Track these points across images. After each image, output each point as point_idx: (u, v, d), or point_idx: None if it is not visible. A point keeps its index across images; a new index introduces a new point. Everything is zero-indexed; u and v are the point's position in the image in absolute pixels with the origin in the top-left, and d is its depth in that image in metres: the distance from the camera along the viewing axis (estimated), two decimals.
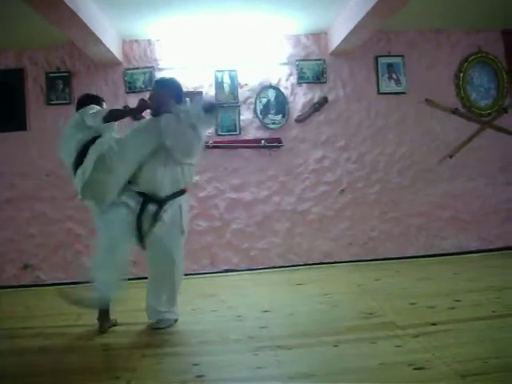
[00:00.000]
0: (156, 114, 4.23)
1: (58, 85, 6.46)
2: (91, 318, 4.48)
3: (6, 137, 6.44)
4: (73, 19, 4.75)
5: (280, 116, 6.58)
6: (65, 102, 6.39)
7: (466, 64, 6.80)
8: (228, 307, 4.82)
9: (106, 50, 5.87)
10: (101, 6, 5.35)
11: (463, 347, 3.33)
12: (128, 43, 6.53)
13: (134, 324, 4.40)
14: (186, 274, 6.21)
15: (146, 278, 6.29)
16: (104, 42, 5.63)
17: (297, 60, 6.66)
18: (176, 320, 4.34)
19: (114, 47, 6.12)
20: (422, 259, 6.53)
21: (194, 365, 3.37)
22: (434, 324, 3.85)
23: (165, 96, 4.20)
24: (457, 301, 4.43)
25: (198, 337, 4.00)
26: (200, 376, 3.17)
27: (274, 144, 6.56)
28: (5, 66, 6.45)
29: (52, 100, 6.44)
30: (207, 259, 6.54)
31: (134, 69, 6.53)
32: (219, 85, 6.57)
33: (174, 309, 4.36)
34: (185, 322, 4.39)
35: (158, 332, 4.14)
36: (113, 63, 6.42)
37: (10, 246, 6.26)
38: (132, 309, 4.87)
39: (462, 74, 6.79)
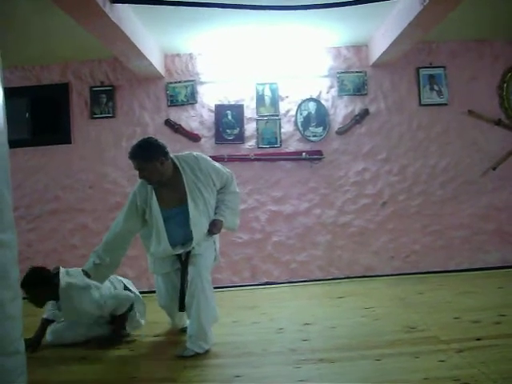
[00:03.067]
0: (159, 182, 4.12)
1: (102, 99, 6.58)
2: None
3: (51, 150, 6.59)
4: (116, 33, 4.82)
5: (321, 128, 6.57)
6: (108, 116, 6.50)
7: (509, 74, 6.68)
8: (269, 319, 4.82)
9: (149, 63, 5.94)
10: (143, 21, 5.43)
11: (509, 363, 3.26)
12: (170, 57, 6.61)
13: (175, 335, 4.43)
14: (226, 286, 6.33)
15: None
16: (146, 55, 5.71)
17: (337, 72, 6.65)
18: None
19: (156, 61, 6.20)
20: (465, 273, 6.42)
21: (236, 376, 3.38)
22: (478, 339, 3.78)
23: (153, 166, 4.02)
24: (502, 315, 4.34)
25: (239, 348, 4.00)
26: None
27: (314, 156, 6.54)
28: (50, 81, 6.60)
29: (96, 114, 6.55)
30: (248, 271, 6.55)
31: (175, 82, 6.60)
32: (260, 97, 6.60)
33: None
34: (226, 333, 4.40)
35: None
36: (155, 77, 6.51)
37: (53, 257, 6.35)
38: None
39: (505, 85, 6.68)
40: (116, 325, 4.39)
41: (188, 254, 4.09)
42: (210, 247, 4.24)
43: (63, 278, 4.23)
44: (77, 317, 4.30)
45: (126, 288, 4.63)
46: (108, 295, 4.33)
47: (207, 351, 3.92)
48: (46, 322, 4.41)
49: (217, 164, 4.30)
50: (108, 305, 4.29)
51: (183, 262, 4.09)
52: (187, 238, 4.08)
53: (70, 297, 4.19)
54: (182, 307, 4.03)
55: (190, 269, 4.05)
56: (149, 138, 4.29)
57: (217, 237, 4.35)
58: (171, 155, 4.17)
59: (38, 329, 4.36)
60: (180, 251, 4.10)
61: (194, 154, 4.32)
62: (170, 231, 4.09)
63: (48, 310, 4.44)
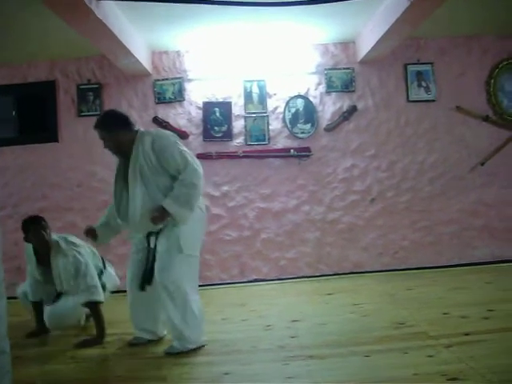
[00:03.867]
0: (126, 153, 4.00)
1: (89, 96, 6.54)
2: (122, 327, 4.52)
3: (37, 148, 6.55)
4: (103, 30, 4.80)
5: (309, 125, 6.57)
6: (95, 114, 6.43)
7: (496, 70, 6.71)
8: (258, 317, 4.81)
9: (136, 61, 5.92)
10: (130, 18, 5.40)
11: (498, 358, 3.26)
12: (157, 54, 6.59)
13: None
14: (215, 284, 6.32)
15: None
16: (133, 53, 5.68)
17: (325, 69, 6.65)
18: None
19: (144, 58, 6.17)
20: (454, 269, 6.44)
21: (225, 374, 3.36)
22: (467, 334, 3.79)
23: (118, 135, 4.00)
24: (490, 311, 4.35)
25: (228, 346, 3.99)
26: None
27: (303, 153, 6.54)
28: (37, 79, 6.56)
29: (83, 111, 6.52)
30: (237, 269, 6.54)
31: (163, 80, 6.57)
32: (248, 95, 6.59)
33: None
34: (215, 331, 4.37)
35: None
36: (142, 74, 6.49)
37: None
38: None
39: (492, 81, 6.70)
40: (97, 328, 4.36)
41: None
42: (172, 237, 3.93)
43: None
44: (63, 275, 4.38)
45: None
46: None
47: (195, 349, 3.89)
48: (36, 305, 4.55)
49: (178, 149, 3.91)
50: (90, 270, 4.45)
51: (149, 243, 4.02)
52: None
53: (63, 250, 4.43)
54: (141, 287, 4.03)
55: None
56: (112, 109, 4.36)
57: (186, 229, 3.92)
58: (142, 129, 4.11)
59: (35, 317, 4.55)
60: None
61: (160, 132, 4.20)
62: (125, 206, 4.03)
63: (21, 288, 4.72)
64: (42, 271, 4.48)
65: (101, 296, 4.43)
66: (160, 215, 3.81)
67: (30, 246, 4.51)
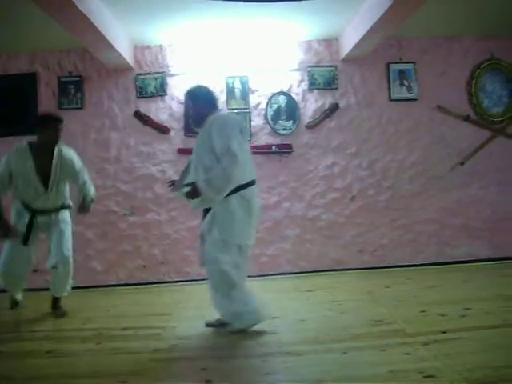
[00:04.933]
0: (198, 125, 4.30)
1: (70, 89, 6.49)
2: (101, 322, 4.51)
3: (18, 140, 6.37)
4: (85, 23, 4.77)
5: (291, 122, 6.57)
6: (76, 107, 6.42)
7: (478, 71, 6.76)
8: None
9: (118, 54, 5.89)
10: (113, 12, 5.37)
11: (474, 355, 3.29)
12: (139, 48, 6.55)
13: (143, 328, 4.40)
14: (195, 280, 6.31)
15: (156, 282, 6.35)
16: (116, 47, 5.65)
17: (308, 66, 6.66)
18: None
19: (126, 52, 6.14)
20: (432, 267, 6.50)
21: (202, 369, 3.35)
22: (444, 332, 3.81)
23: (200, 107, 4.29)
24: (467, 309, 4.39)
25: (206, 342, 3.99)
26: (208, 381, 3.14)
27: (284, 150, 6.55)
28: (17, 70, 6.50)
29: (64, 104, 6.46)
30: None
31: (145, 74, 6.54)
32: (230, 90, 6.58)
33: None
34: (194, 326, 4.37)
35: (166, 337, 4.13)
36: (124, 68, 6.45)
37: None
38: (140, 313, 4.90)
39: (474, 81, 6.76)
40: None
41: None
42: (210, 218, 4.18)
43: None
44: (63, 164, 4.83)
45: None
46: None
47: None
48: None
49: (227, 134, 4.00)
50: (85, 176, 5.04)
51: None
52: None
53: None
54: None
55: None
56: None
57: (223, 213, 4.09)
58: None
59: None
60: None
61: (224, 115, 4.34)
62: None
63: None
64: (38, 166, 4.71)
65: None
66: (191, 191, 4.04)
67: (21, 145, 4.78)
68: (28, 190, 4.72)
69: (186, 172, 4.51)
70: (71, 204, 5.08)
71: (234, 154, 3.92)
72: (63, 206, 4.97)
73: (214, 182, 3.94)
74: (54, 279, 4.92)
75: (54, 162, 4.76)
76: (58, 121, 4.78)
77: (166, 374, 3.39)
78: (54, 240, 4.85)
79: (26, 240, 4.74)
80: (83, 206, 4.97)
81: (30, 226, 4.77)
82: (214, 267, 4.08)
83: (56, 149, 4.79)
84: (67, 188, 5.01)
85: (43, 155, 4.74)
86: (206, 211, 4.20)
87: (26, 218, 4.77)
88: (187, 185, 4.19)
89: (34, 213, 4.80)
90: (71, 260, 4.89)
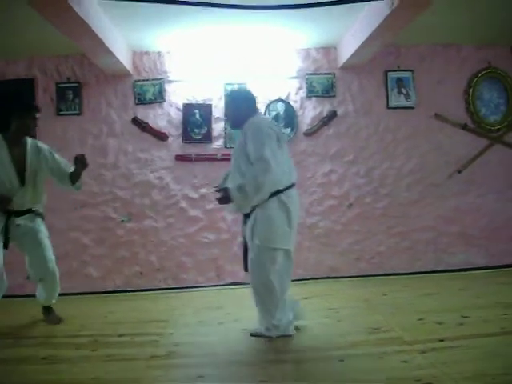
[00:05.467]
0: (236, 126, 4.43)
1: (68, 95, 6.48)
2: (96, 328, 4.49)
3: None
4: (83, 29, 4.76)
5: (289, 129, 6.57)
6: (74, 113, 6.40)
7: (475, 79, 6.78)
8: (234, 320, 4.80)
9: (116, 60, 5.88)
10: (112, 18, 5.37)
11: (471, 363, 3.29)
12: (138, 55, 6.55)
13: (139, 335, 4.39)
14: (192, 287, 6.30)
15: (152, 289, 6.33)
16: (114, 52, 5.65)
17: (306, 74, 6.66)
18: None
19: (124, 58, 6.14)
20: (429, 275, 6.48)
21: (199, 377, 3.35)
22: (441, 340, 3.82)
23: (238, 109, 4.37)
24: (465, 317, 4.39)
25: (203, 349, 3.98)
26: None
27: None
28: (15, 76, 6.47)
29: (62, 110, 6.45)
30: (213, 272, 6.52)
31: (143, 80, 6.54)
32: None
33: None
34: (190, 333, 4.38)
35: (162, 344, 4.12)
36: (123, 74, 6.45)
37: (15, 256, 6.23)
38: (137, 320, 4.89)
39: (471, 90, 6.77)
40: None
41: None
42: (249, 223, 4.24)
43: None
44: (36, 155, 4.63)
45: None
46: None
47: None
48: None
49: (261, 140, 4.03)
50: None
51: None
52: None
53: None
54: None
55: None
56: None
57: (261, 219, 4.13)
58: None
59: None
60: None
61: (258, 120, 4.28)
62: None
63: None
64: (13, 157, 4.49)
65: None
66: (222, 197, 4.15)
67: None
68: (2, 185, 4.41)
69: (227, 176, 4.52)
70: (44, 215, 4.88)
71: (266, 161, 3.93)
72: (37, 213, 4.76)
73: (244, 190, 3.98)
74: (43, 290, 4.86)
75: (29, 150, 4.57)
76: (35, 109, 4.64)
77: (163, 380, 3.39)
78: (35, 253, 4.70)
79: (6, 243, 4.50)
80: (79, 160, 4.60)
81: (7, 227, 4.50)
82: (257, 276, 4.18)
83: (29, 140, 4.61)
84: (44, 190, 4.79)
85: (18, 147, 4.54)
86: (246, 216, 4.25)
87: (1, 219, 4.47)
88: (220, 190, 4.23)
89: (9, 214, 4.50)
90: (57, 270, 4.81)
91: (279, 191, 4.09)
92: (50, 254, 4.76)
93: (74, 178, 4.68)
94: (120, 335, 4.43)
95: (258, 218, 4.12)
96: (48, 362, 3.83)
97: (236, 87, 4.56)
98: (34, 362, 3.84)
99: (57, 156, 4.76)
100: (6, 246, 4.52)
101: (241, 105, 4.37)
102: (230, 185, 4.16)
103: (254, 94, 4.53)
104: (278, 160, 4.02)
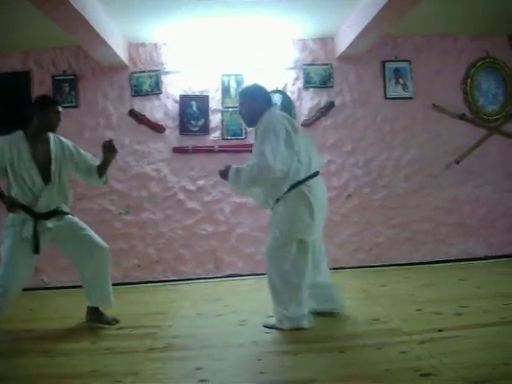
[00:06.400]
0: (251, 125, 4.40)
1: (64, 88, 6.46)
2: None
3: None
4: (79, 21, 4.74)
5: None
6: (71, 105, 6.37)
7: (473, 69, 6.76)
8: (232, 312, 4.79)
9: (113, 52, 5.86)
10: (107, 9, 5.35)
11: (470, 353, 3.28)
12: (134, 46, 6.53)
13: (138, 327, 4.37)
14: (190, 279, 6.30)
15: (150, 281, 6.32)
16: (110, 44, 5.63)
17: (303, 64, 6.64)
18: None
19: (121, 50, 6.11)
20: (428, 265, 6.49)
21: (198, 369, 3.34)
22: (440, 330, 3.81)
23: (252, 106, 4.31)
24: (464, 307, 4.39)
25: (201, 341, 3.96)
26: (203, 380, 3.13)
27: None
28: (11, 69, 6.46)
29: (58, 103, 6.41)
30: (212, 264, 6.52)
31: (140, 72, 6.51)
32: (225, 89, 6.55)
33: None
34: (189, 326, 4.37)
35: (161, 336, 4.12)
36: (119, 66, 6.42)
37: None
38: (136, 312, 4.88)
39: (469, 80, 6.75)
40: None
41: None
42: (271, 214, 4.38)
43: None
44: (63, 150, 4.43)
45: None
46: None
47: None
48: None
49: (264, 136, 4.07)
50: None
51: None
52: None
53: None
54: None
55: None
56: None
57: (282, 210, 4.18)
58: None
59: None
60: None
61: (271, 115, 4.22)
62: None
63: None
64: (36, 155, 4.24)
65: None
66: (222, 171, 4.38)
67: (16, 133, 4.31)
68: (26, 186, 4.16)
69: None
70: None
71: (265, 157, 3.94)
72: (66, 213, 4.43)
73: (239, 175, 4.17)
74: (98, 286, 4.48)
75: (53, 146, 4.32)
76: (56, 103, 4.40)
77: (161, 373, 3.37)
78: (82, 240, 4.37)
79: (36, 247, 4.18)
80: (107, 147, 4.43)
81: (36, 231, 4.17)
82: (273, 267, 4.18)
83: (51, 135, 4.37)
84: (69, 187, 4.50)
85: (41, 143, 4.30)
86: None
87: (29, 223, 4.17)
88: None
89: (36, 217, 4.20)
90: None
91: (299, 182, 4.09)
92: (109, 274, 4.48)
93: (102, 170, 4.50)
94: (119, 328, 4.42)
95: (279, 210, 4.16)
96: (48, 355, 3.81)
97: (245, 83, 4.49)
98: (34, 355, 3.82)
99: (82, 150, 4.54)
100: (37, 251, 4.20)
101: (253, 103, 4.31)
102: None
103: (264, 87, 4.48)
104: (283, 156, 4.01)
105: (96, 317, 4.51)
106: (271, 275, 4.20)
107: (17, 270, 4.12)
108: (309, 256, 4.23)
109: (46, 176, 4.27)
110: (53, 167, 4.29)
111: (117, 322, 4.51)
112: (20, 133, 4.29)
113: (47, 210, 4.28)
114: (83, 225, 4.46)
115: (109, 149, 4.41)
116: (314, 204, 4.12)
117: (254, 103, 4.30)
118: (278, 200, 4.16)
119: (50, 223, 4.29)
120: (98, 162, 4.51)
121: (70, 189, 4.53)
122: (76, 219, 4.46)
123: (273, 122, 4.12)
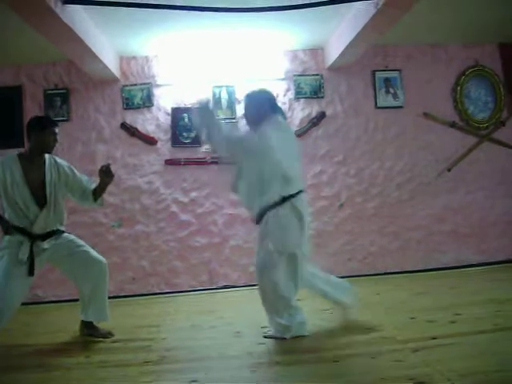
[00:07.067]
0: (252, 124, 4.33)
1: (56, 102, 6.46)
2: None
3: (4, 154, 6.39)
4: (69, 35, 4.75)
5: None
6: (63, 119, 6.36)
7: (463, 77, 6.81)
8: (227, 323, 4.78)
9: (104, 66, 5.87)
10: (98, 23, 5.36)
11: (464, 361, 3.28)
12: (125, 60, 6.55)
13: (132, 340, 4.36)
14: (184, 291, 6.29)
15: (145, 294, 6.30)
16: (101, 58, 5.64)
17: (294, 75, 6.67)
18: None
19: (112, 64, 6.13)
20: (421, 273, 6.51)
21: (192, 381, 3.33)
22: (434, 338, 3.81)
23: (256, 108, 4.30)
24: (457, 314, 4.39)
25: (196, 353, 3.96)
26: None
27: None
28: (2, 83, 6.46)
29: (50, 117, 6.42)
30: (206, 275, 6.51)
31: (131, 85, 6.53)
32: (217, 100, 6.57)
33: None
34: (183, 338, 4.36)
35: (155, 349, 4.11)
36: (110, 80, 6.44)
37: None
38: (130, 325, 4.86)
39: (459, 88, 6.80)
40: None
41: None
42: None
43: None
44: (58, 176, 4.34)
45: None
46: None
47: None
48: None
49: (262, 133, 4.11)
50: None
51: None
52: None
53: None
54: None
55: None
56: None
57: (272, 224, 4.15)
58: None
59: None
60: None
61: (271, 120, 4.24)
62: None
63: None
64: (29, 179, 4.15)
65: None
66: (201, 105, 4.32)
67: (9, 156, 4.22)
68: (20, 211, 4.11)
69: None
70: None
71: (249, 140, 4.13)
72: (62, 232, 4.39)
73: (219, 128, 4.16)
74: (95, 302, 4.42)
75: (47, 169, 4.24)
76: (54, 124, 4.29)
77: None
78: (79, 257, 4.34)
79: (31, 270, 4.13)
80: (104, 172, 4.35)
81: (32, 252, 4.13)
82: (264, 278, 4.16)
83: (47, 156, 4.29)
84: (65, 209, 4.44)
85: (36, 165, 4.22)
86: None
87: (26, 245, 4.12)
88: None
89: (32, 238, 4.16)
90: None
91: (291, 196, 4.09)
92: (106, 292, 4.44)
93: (98, 193, 4.43)
94: (113, 341, 4.40)
95: (271, 222, 4.11)
96: (43, 369, 3.78)
97: (252, 88, 4.46)
98: (28, 370, 3.80)
99: (77, 173, 4.46)
100: (31, 273, 4.14)
101: (257, 107, 4.30)
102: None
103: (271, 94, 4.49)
104: (288, 157, 4.12)
105: (90, 331, 4.48)
106: (264, 288, 4.18)
107: (12, 292, 4.02)
108: (298, 269, 4.23)
109: (41, 199, 4.19)
110: (47, 191, 4.21)
111: (111, 335, 4.49)
112: (13, 155, 4.22)
113: (43, 231, 4.24)
114: (80, 241, 4.43)
115: (106, 173, 4.34)
116: (305, 219, 4.17)
117: (257, 108, 4.29)
118: (265, 211, 4.11)
119: (46, 244, 4.25)
120: (93, 186, 4.45)
121: (65, 210, 4.47)
122: (72, 237, 4.43)
123: (265, 126, 4.14)
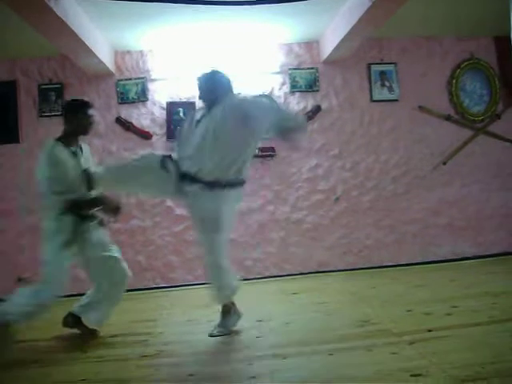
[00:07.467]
0: (206, 99, 4.50)
1: (51, 96, 6.44)
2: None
3: None
4: (63, 29, 4.73)
5: None
6: (57, 114, 6.33)
7: (458, 70, 6.81)
8: None
9: (98, 61, 5.85)
10: (92, 17, 5.34)
11: (460, 353, 3.29)
12: (120, 54, 6.53)
13: (129, 335, 4.37)
14: (180, 285, 6.29)
15: (141, 289, 6.30)
16: (96, 53, 5.62)
17: (289, 69, 6.66)
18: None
19: (106, 58, 6.11)
20: (417, 266, 6.52)
21: (189, 375, 3.33)
22: (430, 330, 3.82)
23: (214, 86, 4.44)
24: (453, 307, 4.41)
25: (193, 347, 3.96)
26: None
27: (267, 153, 6.53)
28: None
29: (44, 112, 6.41)
30: (201, 270, 6.49)
31: (126, 80, 6.51)
32: None
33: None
34: (180, 332, 4.37)
35: (152, 343, 4.11)
36: (105, 74, 6.42)
37: (1, 259, 6.21)
38: (127, 320, 4.86)
39: (454, 81, 6.80)
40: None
41: None
42: None
43: None
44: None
45: None
46: None
47: None
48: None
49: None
50: None
51: None
52: None
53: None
54: None
55: None
56: None
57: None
58: None
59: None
60: None
61: None
62: None
63: None
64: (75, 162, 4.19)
65: None
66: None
67: (56, 148, 4.12)
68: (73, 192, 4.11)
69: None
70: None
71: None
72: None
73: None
74: (104, 306, 4.43)
75: (84, 151, 4.31)
76: (88, 105, 4.27)
77: (152, 380, 3.36)
78: (103, 293, 4.40)
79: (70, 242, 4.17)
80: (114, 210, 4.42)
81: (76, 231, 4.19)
82: (218, 268, 4.40)
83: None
84: None
85: (76, 149, 4.24)
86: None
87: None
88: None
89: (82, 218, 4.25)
90: None
91: (240, 183, 4.39)
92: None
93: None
94: (110, 336, 4.40)
95: (225, 211, 4.31)
96: (39, 365, 3.79)
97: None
98: (26, 365, 3.80)
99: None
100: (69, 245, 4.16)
101: (215, 84, 4.45)
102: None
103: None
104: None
105: (76, 325, 4.41)
106: (216, 273, 4.42)
107: (63, 284, 4.26)
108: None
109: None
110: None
111: (94, 335, 4.40)
112: (57, 142, 4.17)
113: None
114: (113, 245, 4.49)
115: (114, 211, 4.40)
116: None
117: (216, 84, 4.44)
118: (224, 184, 4.13)
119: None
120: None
121: None
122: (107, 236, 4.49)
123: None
